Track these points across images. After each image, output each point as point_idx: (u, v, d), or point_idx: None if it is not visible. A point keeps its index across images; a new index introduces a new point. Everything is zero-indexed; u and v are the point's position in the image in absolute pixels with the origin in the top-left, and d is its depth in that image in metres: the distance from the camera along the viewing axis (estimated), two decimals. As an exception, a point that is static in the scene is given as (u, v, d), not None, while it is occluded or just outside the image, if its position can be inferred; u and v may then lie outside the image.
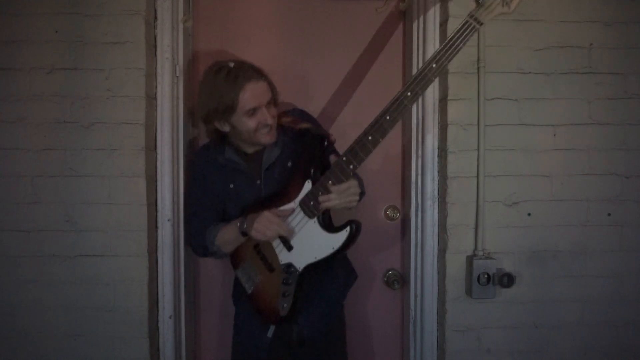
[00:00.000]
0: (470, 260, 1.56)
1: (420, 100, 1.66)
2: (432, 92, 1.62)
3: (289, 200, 1.30)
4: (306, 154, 1.31)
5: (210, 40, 1.77)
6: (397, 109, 1.19)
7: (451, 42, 1.15)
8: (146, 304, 1.54)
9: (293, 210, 1.29)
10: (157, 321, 1.61)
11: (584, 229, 1.60)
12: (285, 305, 1.32)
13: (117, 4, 1.50)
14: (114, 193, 1.52)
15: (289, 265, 1.31)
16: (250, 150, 1.44)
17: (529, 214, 1.59)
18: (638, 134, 1.60)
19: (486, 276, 1.53)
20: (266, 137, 1.36)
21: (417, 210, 1.67)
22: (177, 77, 1.63)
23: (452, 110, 1.56)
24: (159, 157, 1.59)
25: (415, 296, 1.69)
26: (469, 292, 1.57)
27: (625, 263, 1.61)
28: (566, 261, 1.60)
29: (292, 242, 1.30)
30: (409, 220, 1.71)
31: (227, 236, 1.40)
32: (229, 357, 1.59)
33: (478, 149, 1.56)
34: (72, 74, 1.51)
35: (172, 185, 1.61)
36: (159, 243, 1.60)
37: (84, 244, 1.53)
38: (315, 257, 1.28)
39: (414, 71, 1.67)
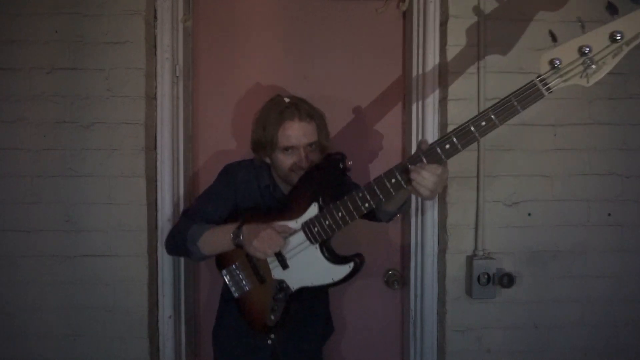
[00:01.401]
0: (470, 260, 1.56)
1: (420, 100, 1.66)
2: (432, 92, 1.62)
3: (291, 216, 1.22)
4: (319, 174, 1.23)
5: (210, 40, 1.77)
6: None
7: (504, 103, 0.99)
8: (146, 304, 1.54)
9: (295, 231, 1.21)
10: (157, 321, 1.61)
11: (584, 229, 1.60)
12: (272, 318, 1.28)
13: (117, 4, 1.50)
14: (114, 193, 1.52)
15: (282, 282, 1.27)
16: (287, 190, 1.38)
17: (529, 214, 1.59)
18: (638, 134, 1.60)
19: (486, 276, 1.53)
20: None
21: (417, 210, 1.67)
22: (177, 77, 1.63)
23: (452, 110, 1.56)
24: (159, 157, 1.60)
25: (415, 296, 1.69)
26: (469, 292, 1.57)
27: (625, 263, 1.61)
28: (566, 261, 1.60)
29: (289, 262, 1.24)
30: (409, 220, 1.71)
31: (215, 239, 1.28)
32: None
33: (478, 149, 1.56)
34: (72, 74, 1.51)
35: (172, 185, 1.61)
36: (159, 243, 1.60)
37: (84, 244, 1.53)
38: (312, 283, 1.23)
39: (414, 72, 1.67)
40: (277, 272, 1.27)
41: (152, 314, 1.58)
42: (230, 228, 1.24)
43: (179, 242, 1.32)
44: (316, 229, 1.17)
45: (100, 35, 1.51)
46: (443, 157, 1.01)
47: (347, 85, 1.78)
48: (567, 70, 0.95)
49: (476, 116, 0.99)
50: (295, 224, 1.21)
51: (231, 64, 1.77)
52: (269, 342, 1.39)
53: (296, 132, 1.26)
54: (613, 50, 0.89)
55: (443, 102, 1.60)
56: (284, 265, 1.25)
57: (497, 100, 0.99)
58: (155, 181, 1.60)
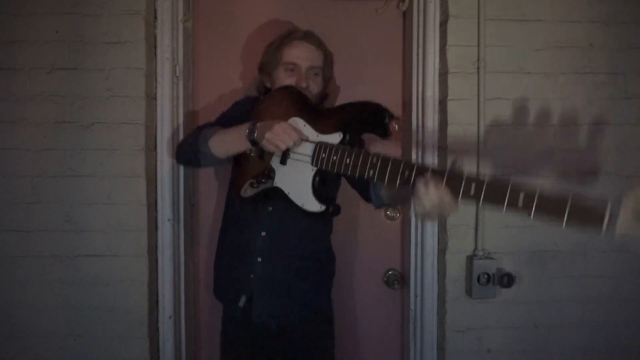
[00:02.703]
0: (470, 260, 1.56)
1: (420, 100, 1.66)
2: (432, 92, 1.62)
3: (316, 127, 1.16)
4: (362, 114, 1.16)
5: (210, 40, 1.77)
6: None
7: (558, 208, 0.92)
8: (146, 304, 1.54)
9: (309, 141, 1.16)
10: (157, 321, 1.61)
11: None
12: (247, 192, 1.24)
13: (117, 4, 1.50)
14: (114, 193, 1.52)
15: (272, 171, 1.21)
16: None
17: (529, 214, 1.58)
18: (638, 134, 1.60)
19: (486, 276, 1.53)
20: None
21: (417, 210, 1.67)
22: (177, 77, 1.63)
23: (452, 110, 1.56)
24: (159, 157, 1.60)
25: (415, 296, 1.69)
26: (469, 292, 1.57)
27: (625, 263, 1.61)
28: (566, 261, 1.60)
29: (288, 161, 1.19)
30: (409, 220, 1.71)
31: (227, 137, 1.24)
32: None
33: (478, 149, 1.55)
34: (72, 74, 1.51)
35: (172, 185, 1.61)
36: (159, 243, 1.60)
37: (84, 244, 1.53)
38: (288, 193, 1.19)
39: (414, 72, 1.67)
40: (274, 162, 1.22)
41: (152, 314, 1.58)
42: (245, 125, 1.19)
43: (191, 143, 1.29)
44: (323, 155, 1.12)
45: (100, 35, 1.51)
46: (460, 193, 0.93)
47: (347, 85, 1.78)
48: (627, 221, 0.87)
49: (530, 191, 0.89)
50: (315, 135, 1.16)
51: (231, 64, 1.77)
52: (252, 275, 1.35)
53: (301, 51, 1.26)
54: None
55: (443, 102, 1.60)
56: (283, 161, 1.20)
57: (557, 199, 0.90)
58: (155, 181, 1.60)
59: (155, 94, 1.59)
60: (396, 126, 1.09)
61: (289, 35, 1.31)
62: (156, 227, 1.60)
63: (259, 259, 1.35)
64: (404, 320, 1.81)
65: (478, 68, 1.55)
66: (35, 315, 1.53)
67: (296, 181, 1.18)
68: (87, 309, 1.54)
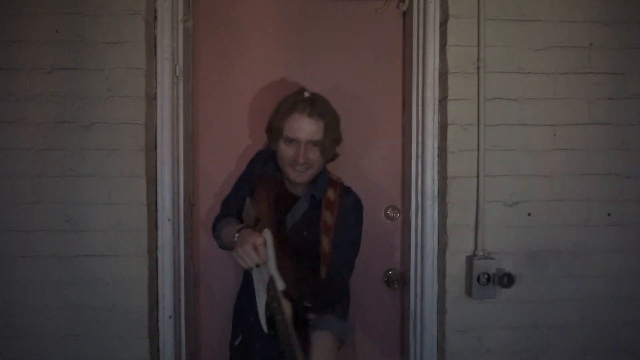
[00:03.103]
0: (470, 260, 1.56)
1: (420, 100, 1.66)
2: (432, 92, 1.62)
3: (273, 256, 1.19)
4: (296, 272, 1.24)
5: (210, 40, 1.77)
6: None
7: None
8: (146, 304, 1.54)
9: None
10: (157, 321, 1.61)
11: (584, 229, 1.60)
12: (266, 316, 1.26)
13: (117, 4, 1.50)
14: (114, 193, 1.52)
15: (272, 280, 1.22)
16: (289, 188, 1.41)
17: (529, 214, 1.59)
18: (638, 134, 1.60)
19: (486, 276, 1.53)
20: (294, 174, 1.31)
21: (417, 210, 1.67)
22: (177, 77, 1.63)
23: (452, 110, 1.56)
24: (159, 157, 1.59)
25: (415, 296, 1.69)
26: (469, 292, 1.57)
27: (625, 263, 1.61)
28: (566, 261, 1.60)
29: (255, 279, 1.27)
30: (409, 220, 1.71)
31: (224, 236, 1.37)
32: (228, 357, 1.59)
33: (478, 149, 1.56)
34: (72, 74, 1.51)
35: (172, 185, 1.61)
36: (159, 243, 1.60)
37: (84, 244, 1.53)
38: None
39: (414, 72, 1.67)
40: (256, 275, 1.28)
41: (152, 314, 1.58)
42: (234, 230, 1.27)
43: (213, 231, 1.48)
44: (272, 292, 1.17)
45: (100, 35, 1.51)
46: None
47: (347, 85, 1.78)
48: None
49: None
50: (273, 264, 1.17)
51: (231, 64, 1.77)
52: (251, 319, 1.37)
53: (301, 126, 1.27)
54: None
55: (443, 102, 1.60)
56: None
57: None
58: (155, 181, 1.60)
59: (155, 94, 1.59)
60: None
61: (294, 105, 1.30)
62: (156, 227, 1.60)
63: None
64: (404, 320, 1.81)
65: (478, 68, 1.55)
66: (35, 315, 1.53)
67: (259, 296, 1.24)
68: (87, 309, 1.54)
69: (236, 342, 1.46)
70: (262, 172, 1.43)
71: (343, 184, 1.44)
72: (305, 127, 1.27)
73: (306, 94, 1.32)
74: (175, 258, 1.63)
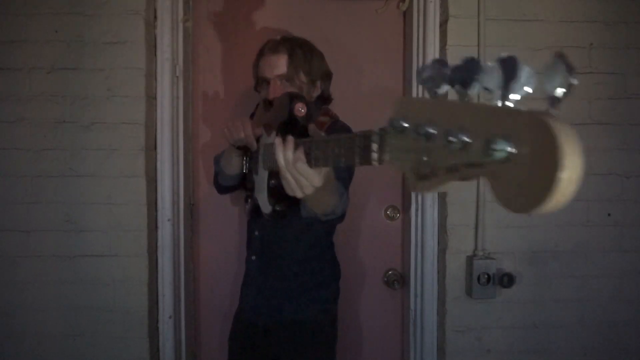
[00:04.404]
0: (470, 260, 1.56)
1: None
2: (432, 92, 1.62)
3: (269, 132, 1.14)
4: (275, 109, 1.13)
5: (210, 40, 1.77)
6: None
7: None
8: (146, 304, 1.54)
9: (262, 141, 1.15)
10: (157, 321, 1.61)
11: (584, 229, 1.60)
12: (246, 209, 1.29)
13: (117, 4, 1.50)
14: (114, 193, 1.52)
15: (252, 184, 1.23)
16: None
17: (529, 214, 1.58)
18: (638, 134, 1.60)
19: (486, 276, 1.53)
20: None
21: (417, 210, 1.67)
22: (177, 77, 1.63)
23: (452, 110, 1.56)
24: (159, 157, 1.59)
25: (415, 296, 1.69)
26: (469, 292, 1.57)
27: (625, 263, 1.61)
28: (566, 261, 1.60)
29: (259, 170, 1.17)
30: (409, 220, 1.71)
31: (225, 153, 1.35)
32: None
33: (478, 149, 1.55)
34: (72, 74, 1.51)
35: (172, 185, 1.61)
36: (159, 243, 1.60)
37: (84, 244, 1.53)
38: (258, 202, 1.19)
39: (414, 72, 1.67)
40: (255, 175, 1.24)
41: (152, 314, 1.58)
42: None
43: (215, 175, 1.45)
44: (268, 156, 1.08)
45: (100, 35, 1.51)
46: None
47: (347, 85, 1.78)
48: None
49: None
50: (267, 138, 1.13)
51: (231, 64, 1.77)
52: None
53: (267, 64, 1.28)
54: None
55: (443, 102, 1.60)
56: (256, 171, 1.21)
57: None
58: (155, 181, 1.60)
59: (155, 94, 1.59)
60: (302, 109, 1.01)
61: (263, 47, 1.33)
62: (156, 227, 1.60)
63: (253, 258, 1.41)
64: (404, 320, 1.81)
65: (478, 68, 1.55)
66: (35, 315, 1.53)
67: (260, 188, 1.17)
68: (87, 309, 1.54)
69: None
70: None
71: (339, 119, 1.38)
72: (270, 63, 1.28)
73: (277, 37, 1.33)
74: (175, 258, 1.63)
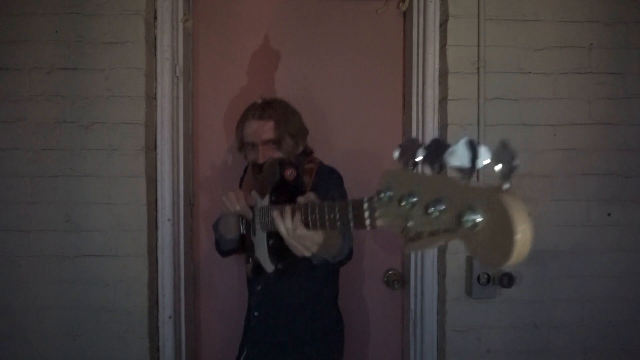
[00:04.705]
0: (470, 260, 1.56)
1: (420, 100, 1.66)
2: (432, 92, 1.62)
3: (259, 198, 1.24)
4: (264, 174, 1.25)
5: (210, 40, 1.77)
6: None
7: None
8: (146, 304, 1.54)
9: (257, 207, 1.23)
10: (157, 321, 1.61)
11: (584, 229, 1.60)
12: (247, 269, 1.33)
13: (117, 4, 1.50)
14: (114, 193, 1.52)
15: (251, 244, 1.29)
16: None
17: (529, 214, 1.58)
18: (638, 134, 1.60)
19: (486, 276, 1.53)
20: None
21: (417, 210, 1.67)
22: (177, 77, 1.63)
23: (452, 110, 1.56)
24: (159, 157, 1.60)
25: (415, 296, 1.69)
26: (469, 292, 1.57)
27: (625, 263, 1.61)
28: (566, 261, 1.60)
29: (256, 231, 1.25)
30: (409, 220, 1.70)
31: (222, 219, 1.40)
32: (229, 357, 1.59)
33: (478, 149, 1.55)
34: (72, 74, 1.51)
35: (172, 185, 1.61)
36: (159, 243, 1.60)
37: (84, 244, 1.53)
38: (259, 260, 1.24)
39: (414, 72, 1.68)
40: (253, 236, 1.29)
41: (152, 314, 1.58)
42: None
43: (216, 243, 1.47)
44: (264, 218, 1.17)
45: (100, 35, 1.51)
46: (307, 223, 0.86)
47: (347, 85, 1.78)
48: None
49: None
50: (261, 201, 1.21)
51: (231, 64, 1.77)
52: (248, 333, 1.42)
53: (252, 129, 1.33)
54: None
55: (443, 102, 1.60)
56: (254, 232, 1.27)
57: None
58: (155, 181, 1.60)
59: (155, 94, 1.59)
60: (292, 174, 1.14)
61: (246, 112, 1.38)
62: (156, 227, 1.60)
63: (256, 314, 1.41)
64: (404, 320, 1.81)
65: (478, 68, 1.55)
66: (35, 315, 1.53)
67: (260, 246, 1.23)
68: (87, 309, 1.54)
69: (241, 358, 1.44)
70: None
71: (322, 163, 1.44)
72: (256, 129, 1.32)
73: (259, 101, 1.39)
74: (175, 258, 1.63)
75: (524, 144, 1.57)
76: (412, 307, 1.70)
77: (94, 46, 1.51)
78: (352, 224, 0.69)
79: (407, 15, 1.76)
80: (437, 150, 0.48)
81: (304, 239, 0.90)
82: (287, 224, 0.90)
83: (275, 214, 0.94)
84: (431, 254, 1.63)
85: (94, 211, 1.52)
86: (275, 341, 1.37)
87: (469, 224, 0.45)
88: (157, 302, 1.61)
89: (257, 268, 1.25)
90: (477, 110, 1.55)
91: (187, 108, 1.70)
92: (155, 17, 1.58)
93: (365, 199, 0.65)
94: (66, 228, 1.52)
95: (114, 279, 1.53)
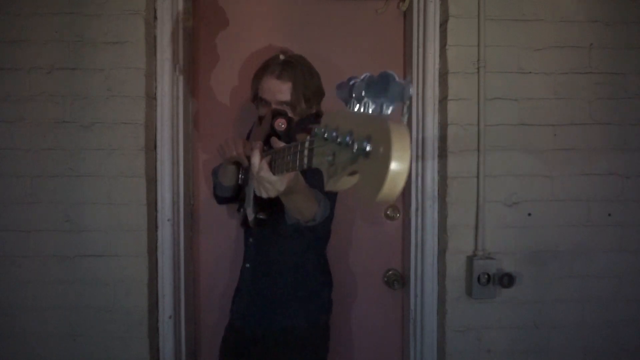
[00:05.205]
0: (470, 260, 1.56)
1: (420, 100, 1.66)
2: (432, 92, 1.62)
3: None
4: (263, 125, 1.25)
5: (210, 40, 1.77)
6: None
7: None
8: (146, 304, 1.54)
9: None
10: (157, 321, 1.61)
11: (584, 229, 1.60)
12: (240, 218, 1.35)
13: (117, 4, 1.50)
14: (114, 193, 1.52)
15: (244, 194, 1.30)
16: None
17: (529, 214, 1.59)
18: (638, 134, 1.60)
19: (486, 276, 1.53)
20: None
21: (417, 210, 1.67)
22: (177, 77, 1.63)
23: (452, 110, 1.56)
24: (159, 157, 1.59)
25: (415, 296, 1.69)
26: (469, 292, 1.57)
27: (625, 263, 1.61)
28: (566, 261, 1.60)
29: (249, 182, 1.24)
30: (409, 220, 1.71)
31: (221, 166, 1.42)
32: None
33: (478, 149, 1.56)
34: (72, 74, 1.51)
35: (172, 185, 1.61)
36: (159, 243, 1.60)
37: (84, 244, 1.53)
38: (247, 210, 1.23)
39: (414, 72, 1.67)
40: (248, 184, 1.28)
41: (152, 314, 1.58)
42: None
43: (214, 188, 1.50)
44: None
45: (100, 35, 1.51)
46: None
47: (347, 85, 1.78)
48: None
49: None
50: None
51: (231, 64, 1.77)
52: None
53: (270, 87, 1.33)
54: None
55: (443, 102, 1.60)
56: (247, 182, 1.28)
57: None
58: (155, 181, 1.60)
59: (155, 93, 1.59)
60: (282, 125, 1.12)
61: (266, 68, 1.37)
62: (156, 227, 1.60)
63: (247, 266, 1.43)
64: (404, 320, 1.81)
65: (478, 68, 1.55)
66: (35, 315, 1.53)
67: (249, 198, 1.23)
68: (87, 309, 1.54)
69: (233, 309, 1.48)
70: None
71: None
72: (272, 88, 1.32)
73: (281, 57, 1.37)
74: (175, 258, 1.63)
75: (524, 144, 1.57)
76: (412, 307, 1.70)
77: (93, 46, 1.51)
78: (298, 165, 0.70)
79: (407, 15, 1.76)
80: (359, 90, 0.51)
81: (266, 181, 0.90)
82: (255, 162, 0.91)
83: (254, 152, 0.94)
84: (431, 254, 1.63)
85: (94, 211, 1.52)
86: (262, 295, 1.39)
87: (362, 153, 0.44)
88: (157, 302, 1.61)
89: (246, 218, 1.26)
90: (477, 110, 1.55)
91: (187, 108, 1.70)
92: (155, 17, 1.58)
93: (308, 138, 0.65)
94: (66, 228, 1.52)
95: (113, 279, 1.53)
